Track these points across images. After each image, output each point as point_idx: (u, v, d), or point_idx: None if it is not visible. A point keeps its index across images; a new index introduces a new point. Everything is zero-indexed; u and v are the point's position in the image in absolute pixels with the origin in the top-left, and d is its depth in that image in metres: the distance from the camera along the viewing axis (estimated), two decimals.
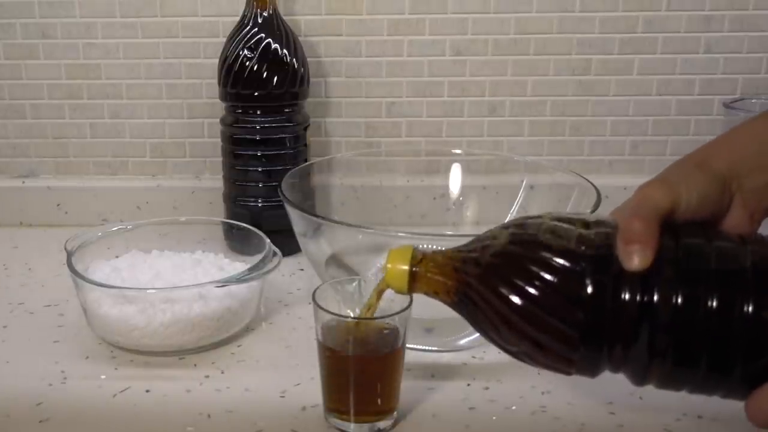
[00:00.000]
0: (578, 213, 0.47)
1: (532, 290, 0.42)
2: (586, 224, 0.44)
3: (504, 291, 0.43)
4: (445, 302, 0.48)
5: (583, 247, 0.43)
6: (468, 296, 0.46)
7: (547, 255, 0.43)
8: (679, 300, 0.40)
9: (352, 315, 0.56)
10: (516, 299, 0.43)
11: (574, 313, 0.42)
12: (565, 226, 0.44)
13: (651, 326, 0.41)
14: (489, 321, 0.45)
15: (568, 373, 0.45)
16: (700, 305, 0.40)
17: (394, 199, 0.89)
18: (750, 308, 0.39)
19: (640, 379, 0.43)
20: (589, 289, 0.41)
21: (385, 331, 0.55)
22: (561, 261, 0.42)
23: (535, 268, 0.42)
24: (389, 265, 0.49)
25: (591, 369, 0.44)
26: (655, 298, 0.41)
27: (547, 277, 0.42)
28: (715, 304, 0.40)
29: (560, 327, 0.42)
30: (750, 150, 0.46)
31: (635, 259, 0.41)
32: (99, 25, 0.93)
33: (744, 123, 0.49)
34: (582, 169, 0.78)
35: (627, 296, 0.41)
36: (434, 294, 0.48)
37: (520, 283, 0.43)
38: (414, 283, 0.49)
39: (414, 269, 0.48)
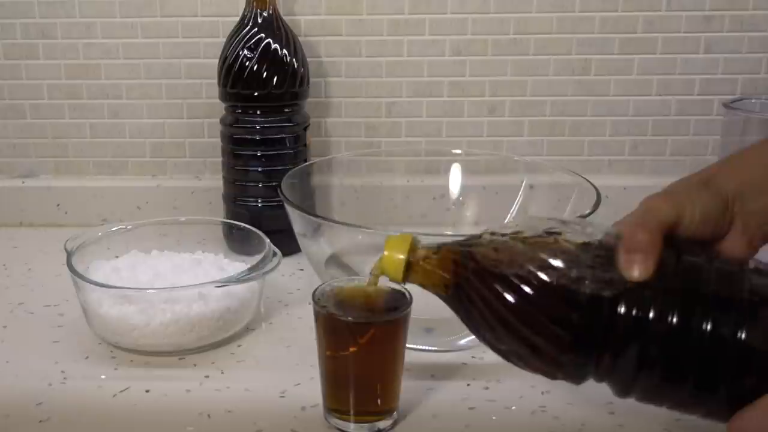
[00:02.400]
0: (582, 219, 0.47)
1: (529, 289, 0.42)
2: (589, 230, 0.44)
3: (500, 288, 0.43)
4: (438, 295, 0.48)
5: (584, 252, 0.43)
6: (463, 291, 0.45)
7: (548, 256, 0.43)
8: (675, 319, 0.40)
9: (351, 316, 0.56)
10: (512, 297, 0.43)
11: (569, 316, 0.42)
12: (568, 230, 0.44)
13: (643, 340, 0.41)
14: (482, 317, 0.44)
15: (555, 377, 0.45)
16: (695, 326, 0.40)
17: (394, 199, 0.89)
18: (743, 335, 0.40)
19: (623, 391, 0.43)
20: (587, 294, 0.41)
21: (385, 331, 0.55)
22: (561, 263, 0.42)
23: (533, 268, 0.42)
24: (386, 252, 0.48)
25: (578, 375, 0.44)
26: (651, 313, 0.41)
27: (545, 277, 0.42)
28: (709, 327, 0.40)
29: (553, 329, 0.42)
30: (758, 171, 0.46)
31: (636, 269, 0.41)
32: (99, 25, 0.93)
33: (754, 145, 0.49)
34: (582, 169, 0.78)
35: (623, 307, 0.41)
36: (430, 286, 0.48)
37: (517, 281, 0.43)
38: (409, 272, 0.48)
39: (411, 259, 0.48)
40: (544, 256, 0.43)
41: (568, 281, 0.42)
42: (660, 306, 0.41)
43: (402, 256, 0.48)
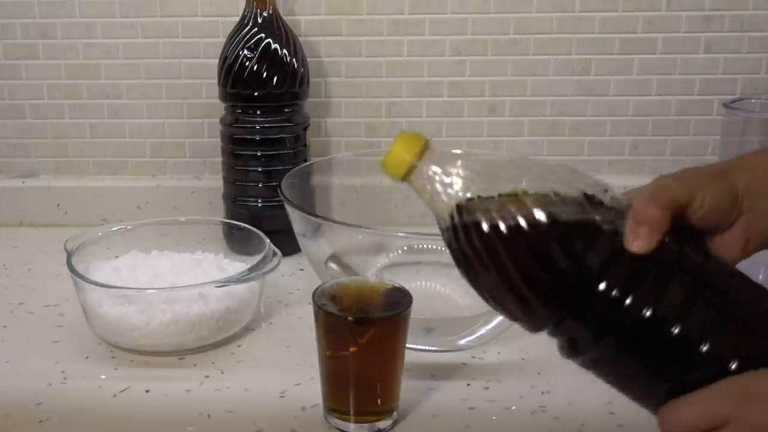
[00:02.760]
0: (598, 180, 0.45)
1: (525, 224, 0.41)
2: (604, 190, 0.44)
3: (497, 215, 0.42)
4: (430, 207, 0.46)
5: (592, 208, 0.42)
6: (458, 211, 0.43)
7: (557, 199, 0.42)
8: (650, 311, 0.40)
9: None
10: (507, 228, 0.41)
11: (556, 260, 0.41)
12: (580, 185, 0.43)
13: (614, 319, 0.40)
14: (469, 242, 0.43)
15: (515, 319, 0.43)
16: (670, 323, 0.40)
17: (394, 199, 0.88)
18: (706, 347, 0.39)
19: (572, 354, 0.43)
20: (581, 246, 0.41)
21: (385, 331, 0.55)
22: (567, 210, 0.41)
23: (538, 207, 0.41)
24: (394, 148, 0.45)
25: (536, 324, 0.43)
26: (631, 296, 0.40)
27: (544, 219, 0.41)
28: (678, 330, 0.40)
29: (536, 267, 0.41)
30: (763, 176, 0.46)
31: (638, 241, 0.41)
32: (99, 25, 0.93)
33: (764, 148, 0.49)
34: (582, 169, 0.78)
35: (609, 279, 0.40)
36: (425, 196, 0.46)
37: (516, 211, 0.41)
38: (409, 175, 0.46)
39: (416, 162, 0.45)
40: (553, 199, 0.42)
41: (569, 228, 0.41)
42: (644, 292, 0.40)
43: (408, 157, 0.45)
